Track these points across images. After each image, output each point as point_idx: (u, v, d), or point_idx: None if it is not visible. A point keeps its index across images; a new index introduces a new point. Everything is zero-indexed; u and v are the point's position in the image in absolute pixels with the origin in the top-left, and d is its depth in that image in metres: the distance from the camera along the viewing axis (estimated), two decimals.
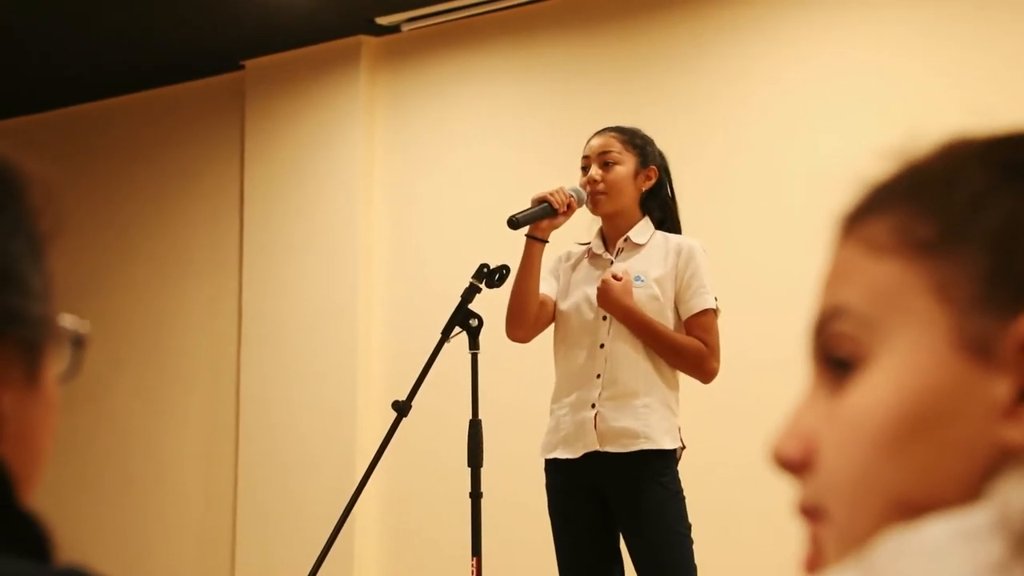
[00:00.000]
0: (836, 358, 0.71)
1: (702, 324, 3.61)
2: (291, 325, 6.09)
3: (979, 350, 0.67)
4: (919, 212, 0.70)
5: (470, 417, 3.72)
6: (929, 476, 0.66)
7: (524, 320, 3.71)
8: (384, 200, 6.05)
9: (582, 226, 3.85)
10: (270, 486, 6.04)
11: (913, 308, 0.69)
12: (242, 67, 6.41)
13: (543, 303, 3.73)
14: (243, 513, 6.12)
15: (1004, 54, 4.73)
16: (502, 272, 3.75)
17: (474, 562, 3.65)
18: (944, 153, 0.72)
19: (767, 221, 5.08)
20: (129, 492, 6.53)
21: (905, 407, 0.67)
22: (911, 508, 0.66)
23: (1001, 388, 0.66)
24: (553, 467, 3.71)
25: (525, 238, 3.70)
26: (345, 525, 3.75)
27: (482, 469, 3.69)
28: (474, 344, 3.72)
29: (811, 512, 0.71)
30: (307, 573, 3.76)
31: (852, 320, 0.71)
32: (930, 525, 0.63)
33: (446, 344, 3.72)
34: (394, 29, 6.01)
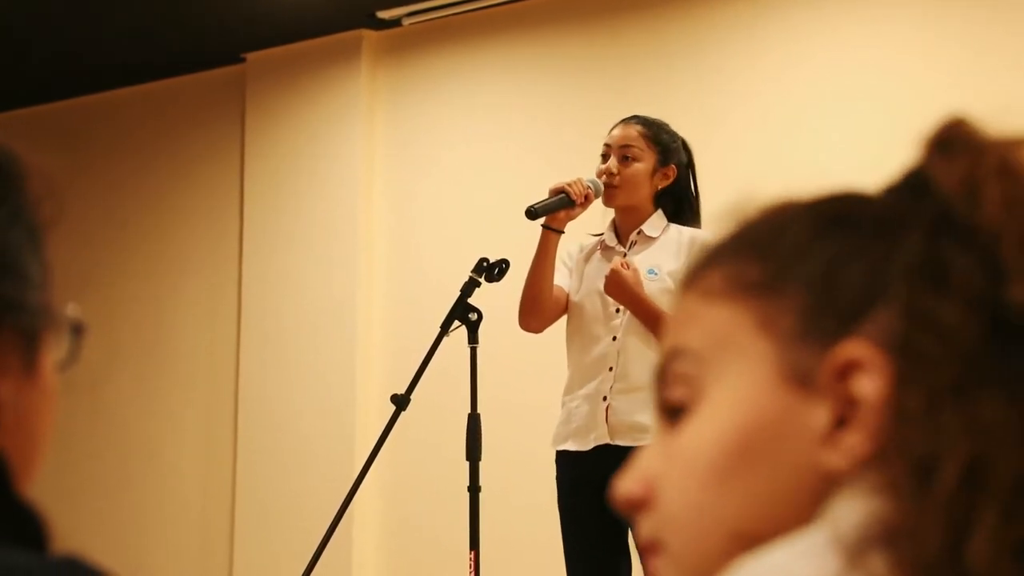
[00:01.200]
0: (674, 398, 0.76)
1: None
2: (290, 319, 6.09)
3: (802, 380, 0.70)
4: (749, 259, 0.74)
5: (469, 411, 3.72)
6: (763, 503, 0.70)
7: (538, 310, 3.69)
8: (384, 194, 6.05)
9: (595, 217, 3.84)
10: (269, 479, 6.04)
11: (742, 344, 0.73)
12: (243, 60, 6.41)
13: (557, 293, 3.71)
14: (242, 506, 6.12)
15: (1007, 53, 4.73)
16: (501, 266, 3.75)
17: (472, 556, 3.65)
18: (773, 211, 0.76)
19: None
20: (127, 485, 6.53)
21: (734, 437, 0.71)
22: (750, 538, 0.69)
23: (819, 415, 0.69)
24: (563, 459, 3.69)
25: (541, 228, 3.68)
26: (343, 518, 3.75)
27: (480, 463, 3.69)
28: (473, 338, 3.72)
29: (650, 547, 0.74)
30: (305, 565, 3.77)
31: (688, 359, 0.75)
32: (773, 551, 0.66)
33: (445, 338, 3.73)
34: (395, 23, 6.01)
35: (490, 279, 3.75)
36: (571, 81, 5.64)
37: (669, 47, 5.42)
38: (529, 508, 5.39)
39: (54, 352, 0.81)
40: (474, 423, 3.70)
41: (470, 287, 3.73)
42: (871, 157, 4.68)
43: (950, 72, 4.79)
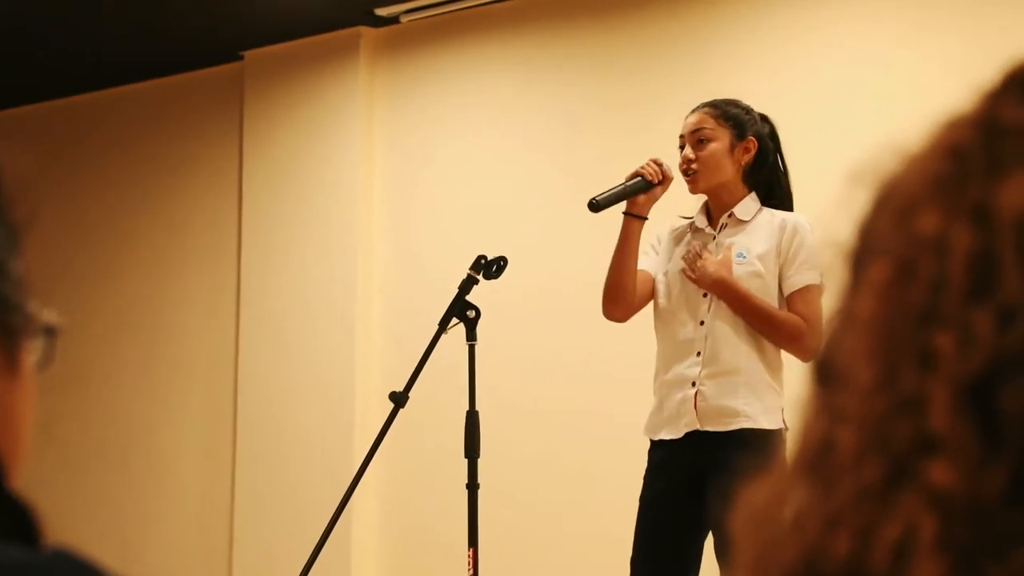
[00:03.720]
0: None
1: (804, 299, 3.50)
2: (290, 315, 6.09)
3: None
4: None
5: (467, 408, 3.72)
6: None
7: (621, 299, 3.61)
8: (383, 191, 6.05)
9: (688, 201, 3.75)
10: (268, 475, 6.04)
11: None
12: (241, 58, 6.41)
13: (642, 280, 3.63)
14: (241, 502, 6.13)
15: (1004, 48, 4.71)
16: (499, 263, 3.75)
17: (471, 553, 3.66)
18: None
19: None
20: (126, 481, 6.54)
21: None
22: None
23: None
24: (657, 448, 3.57)
25: (623, 216, 3.60)
26: (343, 514, 3.76)
27: (479, 460, 3.69)
28: (471, 335, 3.73)
29: None
30: (305, 561, 3.77)
31: None
32: None
33: (443, 335, 3.73)
34: (393, 20, 6.01)
35: (488, 276, 3.76)
36: (570, 78, 5.64)
37: (667, 44, 5.42)
38: (528, 505, 5.39)
39: (31, 353, 0.81)
40: (472, 420, 3.70)
41: (468, 284, 3.73)
42: (870, 152, 4.68)
43: (947, 68, 4.78)
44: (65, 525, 6.21)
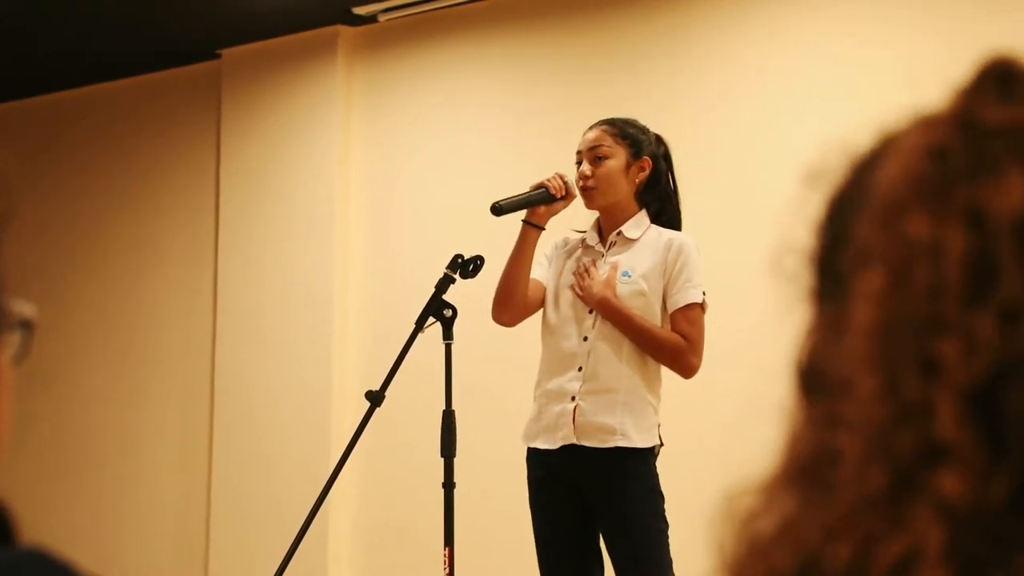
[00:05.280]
0: None
1: (687, 317, 3.58)
2: (267, 314, 6.09)
3: None
4: None
5: (443, 407, 3.72)
6: None
7: (511, 305, 3.71)
8: (361, 190, 6.04)
9: (584, 214, 3.83)
10: (245, 474, 6.03)
11: None
12: (219, 56, 6.40)
13: (534, 288, 3.72)
14: (218, 501, 6.11)
15: (982, 46, 4.73)
16: (476, 263, 3.75)
17: (447, 552, 3.66)
18: None
19: (746, 213, 5.09)
20: (103, 480, 6.52)
21: None
22: None
23: None
24: (533, 456, 3.69)
25: (521, 223, 3.69)
26: (319, 513, 3.75)
27: (455, 459, 3.69)
28: (448, 334, 3.73)
29: None
30: (281, 559, 3.76)
31: None
32: None
33: (420, 334, 3.73)
34: (371, 19, 6.01)
35: (465, 275, 3.75)
36: (547, 77, 5.65)
37: (646, 42, 5.43)
38: (503, 504, 5.40)
39: (7, 348, 0.81)
40: (449, 419, 3.70)
41: (445, 283, 3.73)
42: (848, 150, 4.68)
43: (925, 67, 4.79)
44: (40, 523, 6.18)
